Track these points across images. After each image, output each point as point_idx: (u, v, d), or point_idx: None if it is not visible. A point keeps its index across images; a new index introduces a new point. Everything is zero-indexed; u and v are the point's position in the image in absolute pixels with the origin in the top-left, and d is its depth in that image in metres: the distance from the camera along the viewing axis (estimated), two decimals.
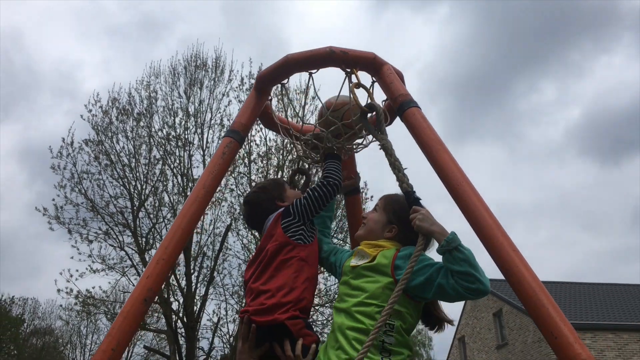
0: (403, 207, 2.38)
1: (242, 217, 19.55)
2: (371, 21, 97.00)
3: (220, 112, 20.20)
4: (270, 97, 2.74)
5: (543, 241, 78.75)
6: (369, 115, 2.48)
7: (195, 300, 19.13)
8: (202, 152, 19.87)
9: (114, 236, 18.86)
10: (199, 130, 19.78)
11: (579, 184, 79.66)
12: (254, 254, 2.60)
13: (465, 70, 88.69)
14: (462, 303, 30.24)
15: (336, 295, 2.52)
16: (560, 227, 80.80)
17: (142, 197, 19.15)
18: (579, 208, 78.66)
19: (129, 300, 2.15)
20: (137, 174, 19.28)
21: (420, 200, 2.30)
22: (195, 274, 18.97)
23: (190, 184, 19.48)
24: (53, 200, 18.59)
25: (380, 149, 2.42)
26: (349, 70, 2.57)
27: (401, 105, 2.40)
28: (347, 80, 2.55)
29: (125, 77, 60.81)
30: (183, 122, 19.72)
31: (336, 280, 2.78)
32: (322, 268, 2.59)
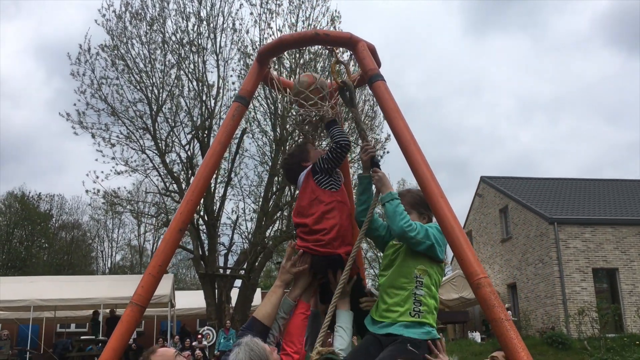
0: (422, 200, 3.00)
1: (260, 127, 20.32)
2: None
3: (232, 16, 20.31)
4: (269, 66, 3.39)
5: (563, 134, 78.80)
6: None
7: (214, 200, 20.21)
8: (215, 57, 20.21)
9: (135, 139, 19.70)
10: (211, 35, 20.00)
11: (602, 76, 78.02)
12: (297, 201, 3.34)
13: None
14: (469, 202, 31.32)
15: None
16: (582, 119, 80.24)
17: (160, 102, 19.78)
18: (602, 100, 77.59)
19: (169, 231, 2.96)
20: (154, 80, 19.79)
21: (380, 163, 2.99)
22: (214, 175, 19.89)
23: (205, 89, 20.00)
24: (74, 105, 19.27)
25: (351, 117, 3.11)
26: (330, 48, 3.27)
27: (370, 78, 3.08)
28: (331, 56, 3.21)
29: None
30: (196, 27, 19.90)
31: None
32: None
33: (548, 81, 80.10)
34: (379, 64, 3.24)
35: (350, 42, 3.21)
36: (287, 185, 20.32)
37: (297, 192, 3.35)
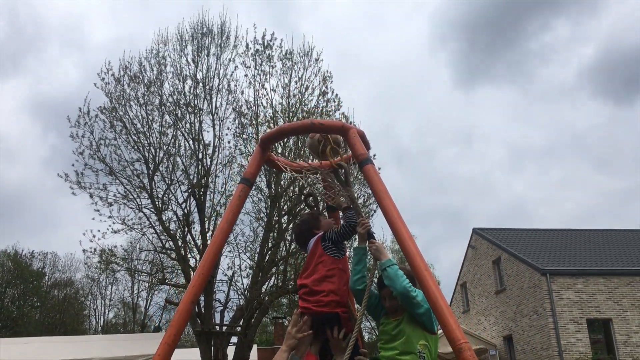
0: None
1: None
2: None
3: (227, 78, 21.01)
4: (271, 150, 3.82)
5: (555, 181, 79.74)
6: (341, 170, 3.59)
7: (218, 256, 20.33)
8: (211, 117, 20.78)
9: (132, 198, 20.00)
10: (207, 96, 20.63)
11: (591, 124, 79.69)
12: (304, 266, 3.69)
13: (475, 10, 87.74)
14: (463, 252, 31.57)
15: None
16: (573, 167, 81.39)
17: (157, 161, 20.19)
18: (592, 148, 78.90)
19: (182, 302, 3.30)
20: (151, 140, 20.27)
21: (375, 235, 3.37)
22: (210, 232, 20.11)
23: (201, 148, 20.48)
24: (73, 165, 19.63)
25: (347, 197, 3.54)
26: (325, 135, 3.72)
27: (360, 163, 3.51)
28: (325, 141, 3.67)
29: (133, 27, 60.88)
30: (192, 89, 20.55)
31: None
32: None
33: (538, 130, 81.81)
34: (368, 147, 3.66)
35: (342, 130, 3.65)
36: (282, 241, 20.57)
37: (294, 248, 3.82)
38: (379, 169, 20.97)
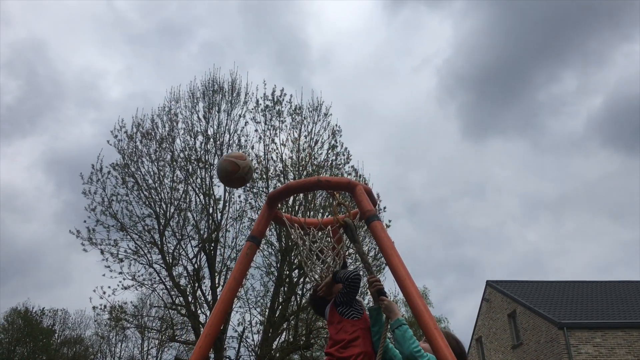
0: None
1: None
2: (388, 19, 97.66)
3: (237, 133, 21.33)
4: (278, 208, 3.84)
5: (569, 233, 78.86)
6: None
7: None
8: None
9: (143, 254, 20.01)
10: (218, 152, 20.89)
11: (603, 174, 79.28)
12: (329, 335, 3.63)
13: (483, 64, 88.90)
14: (478, 305, 31.03)
15: None
16: (587, 218, 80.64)
17: (167, 216, 20.29)
18: (605, 198, 78.31)
19: None
20: (162, 195, 20.42)
21: (385, 292, 3.35)
22: (220, 287, 19.99)
23: (212, 202, 20.59)
24: (85, 221, 19.77)
25: (355, 253, 3.54)
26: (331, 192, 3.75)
27: (367, 219, 3.51)
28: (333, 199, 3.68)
29: (148, 84, 62.28)
30: (203, 145, 20.84)
31: None
32: None
33: (550, 181, 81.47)
34: (374, 203, 3.67)
35: (349, 187, 3.67)
36: (293, 295, 20.36)
37: (305, 303, 3.80)
38: (390, 221, 20.79)
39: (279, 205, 3.85)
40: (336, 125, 21.97)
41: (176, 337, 22.33)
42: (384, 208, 21.49)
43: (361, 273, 3.55)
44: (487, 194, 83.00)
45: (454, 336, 3.36)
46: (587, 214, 78.96)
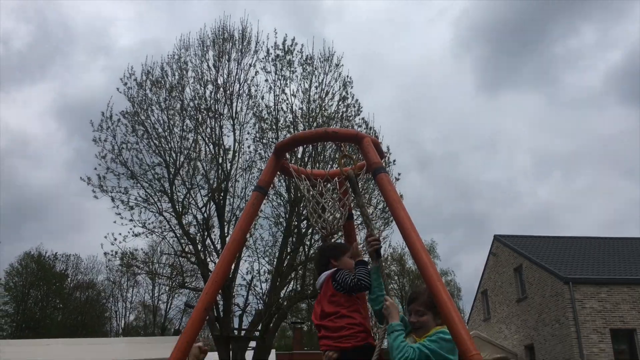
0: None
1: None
2: None
3: (247, 83, 21.11)
4: (287, 159, 3.81)
5: (580, 189, 78.67)
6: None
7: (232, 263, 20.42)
8: (232, 122, 20.89)
9: (153, 202, 20.17)
10: (228, 102, 20.75)
11: (618, 130, 78.38)
12: (316, 301, 3.55)
13: (500, 15, 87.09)
14: (484, 260, 31.28)
15: None
16: (600, 174, 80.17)
17: (177, 165, 20.34)
18: (619, 155, 77.61)
19: (195, 309, 3.29)
20: (172, 144, 20.42)
21: (381, 252, 3.31)
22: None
23: (221, 152, 20.58)
24: (95, 169, 19.88)
25: (355, 205, 3.52)
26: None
27: (374, 172, 3.46)
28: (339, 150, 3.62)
29: (158, 31, 61.43)
30: (213, 94, 20.68)
31: None
32: None
33: (564, 136, 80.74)
34: (381, 156, 3.62)
35: (356, 139, 3.61)
36: (302, 246, 20.55)
37: (313, 253, 3.69)
38: (399, 174, 20.69)
39: (288, 156, 3.81)
40: (347, 76, 21.72)
41: (186, 284, 22.75)
42: (394, 161, 21.42)
43: (369, 282, 3.39)
44: (499, 149, 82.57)
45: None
46: (600, 170, 78.44)
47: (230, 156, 20.78)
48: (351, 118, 21.15)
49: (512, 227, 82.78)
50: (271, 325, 20.31)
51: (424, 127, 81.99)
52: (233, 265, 20.17)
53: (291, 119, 20.78)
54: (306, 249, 20.77)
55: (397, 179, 20.79)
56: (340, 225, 3.69)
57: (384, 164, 3.51)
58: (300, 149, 18.91)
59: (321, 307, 3.46)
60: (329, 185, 3.76)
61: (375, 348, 3.24)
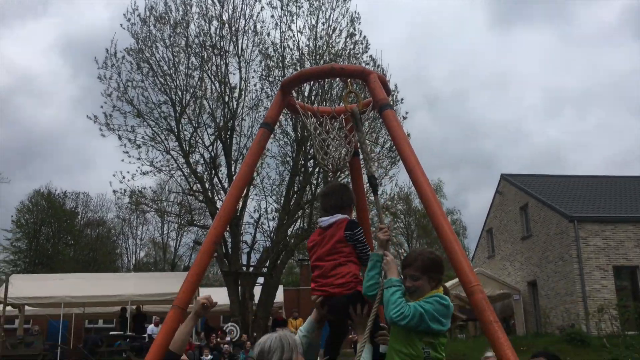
0: (433, 264, 3.10)
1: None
2: None
3: (253, 19, 20.73)
4: (291, 95, 3.79)
5: (591, 128, 77.92)
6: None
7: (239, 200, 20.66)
8: (237, 59, 20.65)
9: (160, 141, 20.24)
10: (233, 38, 20.43)
11: (632, 68, 76.49)
12: (318, 242, 3.49)
13: None
14: (490, 198, 31.42)
15: None
16: (610, 113, 79.14)
17: (183, 104, 20.28)
18: (632, 93, 76.23)
19: (205, 243, 3.37)
20: (177, 82, 20.29)
21: (379, 187, 3.33)
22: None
23: (227, 91, 20.45)
24: (101, 107, 19.87)
25: (357, 140, 3.52)
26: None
27: (380, 108, 3.44)
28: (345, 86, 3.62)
29: None
30: (218, 30, 20.35)
31: None
32: None
33: (576, 74, 79.32)
34: (388, 93, 3.59)
35: (363, 74, 3.58)
36: (308, 185, 20.70)
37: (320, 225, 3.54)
38: (407, 113, 20.56)
39: (295, 94, 3.79)
40: (355, 12, 21.24)
41: (194, 222, 23.08)
42: (402, 100, 21.26)
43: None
44: (510, 87, 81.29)
45: (431, 251, 3.30)
46: (612, 109, 77.17)
47: (236, 94, 20.68)
48: (359, 55, 20.87)
49: (520, 166, 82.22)
50: (279, 262, 20.74)
51: (433, 65, 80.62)
52: (241, 203, 20.42)
53: (298, 57, 20.53)
54: (313, 188, 20.94)
55: (404, 118, 20.70)
56: (346, 161, 3.71)
57: (390, 101, 3.49)
58: (308, 87, 18.75)
59: (322, 249, 3.42)
60: (335, 123, 3.75)
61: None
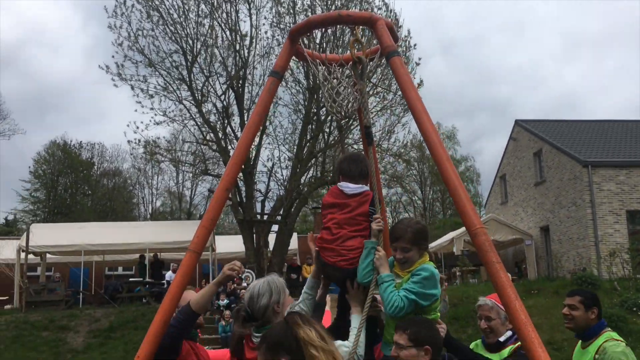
0: (420, 233, 3.20)
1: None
2: None
3: None
4: (299, 43, 3.81)
5: (610, 72, 76.42)
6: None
7: (251, 148, 20.75)
8: (248, 6, 20.36)
9: (172, 90, 20.25)
10: None
11: None
12: (340, 201, 3.45)
13: None
14: (504, 144, 31.25)
15: None
16: (630, 56, 77.41)
17: (195, 53, 20.16)
18: None
19: (218, 190, 3.47)
20: (188, 30, 20.10)
21: (374, 138, 3.38)
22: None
23: (238, 39, 20.25)
24: (113, 57, 19.83)
25: (358, 89, 3.56)
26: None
27: (387, 55, 3.45)
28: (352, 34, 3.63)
29: None
30: None
31: None
32: None
33: (596, 16, 77.25)
34: (396, 40, 3.60)
35: (370, 21, 3.58)
36: (321, 133, 20.71)
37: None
38: (419, 59, 20.29)
39: (307, 42, 3.81)
40: None
41: (209, 171, 23.30)
42: (414, 45, 20.95)
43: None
44: (526, 30, 79.55)
45: (417, 221, 3.36)
46: (632, 51, 75.45)
47: (247, 42, 20.49)
48: (371, 0, 20.48)
49: (537, 112, 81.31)
50: (292, 210, 20.99)
51: (448, 8, 78.80)
52: (254, 152, 20.56)
53: (309, 2, 20.20)
54: (325, 136, 20.95)
55: (417, 64, 20.47)
56: (355, 109, 3.76)
57: (398, 48, 3.50)
58: (319, 34, 18.53)
59: (344, 215, 3.40)
60: (346, 70, 3.79)
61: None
